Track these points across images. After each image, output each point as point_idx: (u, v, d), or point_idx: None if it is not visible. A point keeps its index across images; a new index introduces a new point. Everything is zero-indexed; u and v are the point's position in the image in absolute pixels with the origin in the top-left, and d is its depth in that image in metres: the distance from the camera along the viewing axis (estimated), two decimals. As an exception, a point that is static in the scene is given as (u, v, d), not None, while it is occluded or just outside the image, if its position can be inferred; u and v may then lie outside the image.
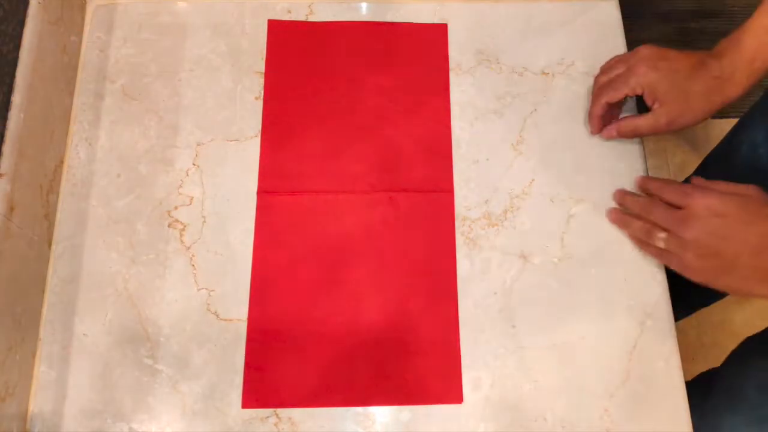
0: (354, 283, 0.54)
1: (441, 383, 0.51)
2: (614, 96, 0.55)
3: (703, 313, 0.97)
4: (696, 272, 0.49)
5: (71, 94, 0.58)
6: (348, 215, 0.55)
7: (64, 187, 0.55)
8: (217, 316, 0.52)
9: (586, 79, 0.61)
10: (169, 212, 0.55)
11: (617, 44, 0.62)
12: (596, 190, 0.57)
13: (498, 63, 0.61)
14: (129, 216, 0.55)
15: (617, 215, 0.55)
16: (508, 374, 0.52)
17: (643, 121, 0.55)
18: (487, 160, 0.58)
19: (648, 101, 0.54)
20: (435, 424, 0.50)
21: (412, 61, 0.60)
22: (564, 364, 0.52)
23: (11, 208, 0.47)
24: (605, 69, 0.58)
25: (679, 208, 0.49)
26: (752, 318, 1.19)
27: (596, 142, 0.58)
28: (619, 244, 0.55)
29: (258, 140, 0.57)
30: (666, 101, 0.53)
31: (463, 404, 0.51)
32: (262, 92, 0.59)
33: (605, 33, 0.62)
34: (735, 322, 1.18)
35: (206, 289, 0.53)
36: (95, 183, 0.56)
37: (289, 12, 0.62)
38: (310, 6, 0.62)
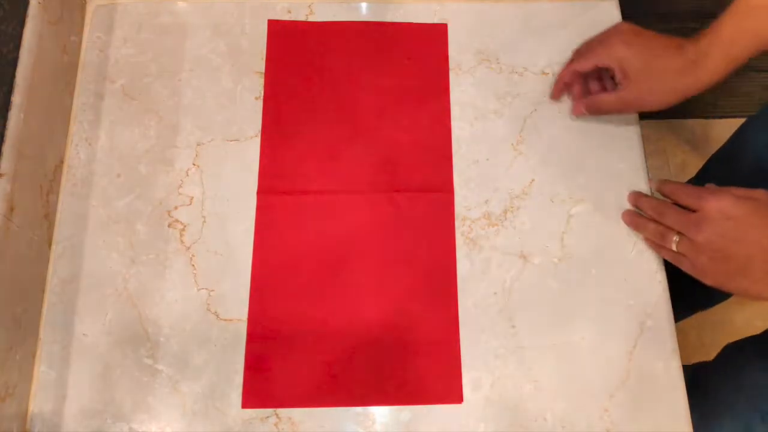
0: (354, 283, 0.54)
1: (441, 383, 0.51)
2: (583, 65, 0.55)
3: (703, 313, 0.97)
4: (709, 275, 0.49)
5: (71, 94, 0.58)
6: (348, 215, 0.55)
7: (64, 187, 0.55)
8: (217, 316, 0.52)
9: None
10: (169, 212, 0.55)
11: (617, 44, 0.62)
12: (596, 190, 0.57)
13: (498, 63, 0.61)
14: (129, 216, 0.55)
15: (631, 217, 0.55)
16: (508, 374, 0.52)
17: (610, 97, 0.55)
18: (487, 160, 0.58)
19: (618, 77, 0.54)
20: (435, 424, 0.50)
21: (412, 61, 0.60)
22: (564, 364, 0.52)
23: (11, 208, 0.47)
24: (586, 41, 0.58)
25: (692, 211, 0.49)
26: (752, 318, 1.19)
27: (596, 142, 0.58)
28: (619, 244, 0.55)
29: (258, 140, 0.57)
30: (635, 78, 0.53)
31: (463, 404, 0.51)
32: (262, 92, 0.59)
33: (605, 33, 0.62)
34: (735, 322, 1.18)
35: (206, 289, 0.53)
36: (95, 183, 0.56)
37: (289, 12, 0.62)
38: (310, 6, 0.62)
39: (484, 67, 0.61)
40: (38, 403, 0.50)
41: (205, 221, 0.55)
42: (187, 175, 0.56)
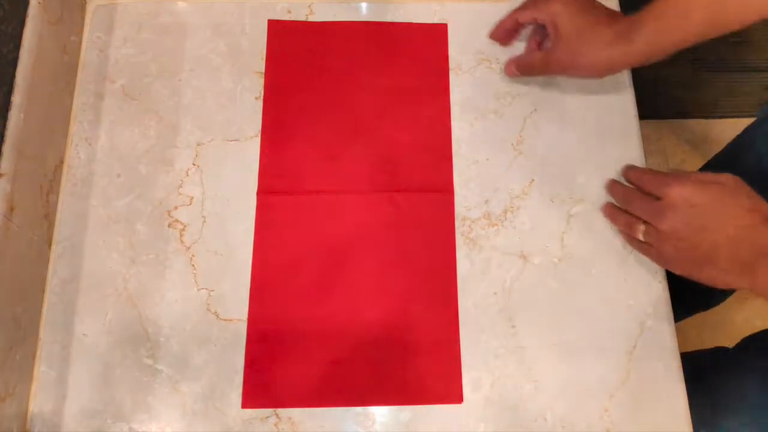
0: (354, 283, 0.54)
1: (441, 383, 0.51)
2: (522, 14, 0.56)
3: (703, 313, 0.97)
4: (676, 264, 0.49)
5: (71, 94, 0.58)
6: (348, 215, 0.55)
7: (64, 187, 0.55)
8: (217, 316, 0.52)
9: (586, 79, 0.60)
10: (169, 212, 0.55)
11: (617, 44, 0.62)
12: (596, 190, 0.57)
13: (498, 63, 0.61)
14: (129, 216, 0.55)
15: (608, 209, 0.55)
16: (508, 374, 0.52)
17: (538, 55, 0.55)
18: (487, 160, 0.58)
19: (551, 36, 0.54)
20: (435, 424, 0.50)
21: (412, 61, 0.60)
22: (564, 364, 0.52)
23: (11, 208, 0.47)
24: None
25: (658, 198, 0.49)
26: (752, 318, 1.19)
27: (597, 142, 0.58)
28: (619, 244, 0.55)
29: (258, 140, 0.57)
30: (565, 40, 0.53)
31: (463, 404, 0.51)
32: (262, 92, 0.59)
33: (605, 33, 0.62)
34: (735, 322, 1.18)
35: (206, 289, 0.53)
36: (95, 183, 0.56)
37: (289, 12, 0.62)
38: (310, 6, 0.62)
39: (484, 67, 0.61)
40: (38, 403, 0.50)
41: (205, 221, 0.55)
42: (187, 175, 0.56)
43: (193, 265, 0.54)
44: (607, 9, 0.54)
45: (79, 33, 0.60)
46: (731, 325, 1.18)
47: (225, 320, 0.52)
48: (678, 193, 0.47)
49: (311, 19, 0.61)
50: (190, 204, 0.55)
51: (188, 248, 0.54)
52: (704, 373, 0.76)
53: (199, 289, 0.53)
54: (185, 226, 0.55)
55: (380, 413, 0.51)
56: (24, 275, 0.50)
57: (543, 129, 0.59)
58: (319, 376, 0.51)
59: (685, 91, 1.35)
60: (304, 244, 0.54)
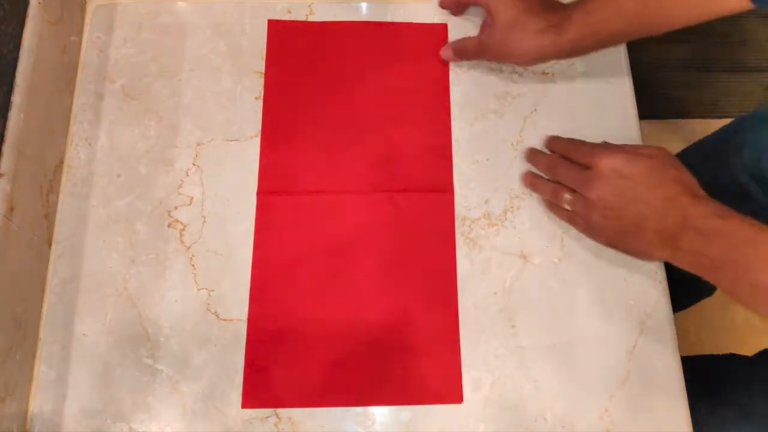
0: (354, 283, 0.54)
1: (441, 383, 0.51)
2: None
3: (703, 312, 0.97)
4: (601, 234, 0.49)
5: (71, 94, 0.58)
6: (348, 215, 0.55)
7: (64, 187, 0.55)
8: (217, 316, 0.52)
9: (586, 79, 0.61)
10: (169, 212, 0.55)
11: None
12: (596, 190, 0.57)
13: (498, 63, 0.61)
14: (129, 216, 0.55)
15: (530, 178, 0.55)
16: (508, 374, 0.52)
17: (473, 40, 0.56)
18: (487, 160, 0.58)
19: (487, 20, 0.55)
20: (435, 424, 0.50)
21: (412, 61, 0.60)
22: (564, 364, 0.52)
23: (11, 208, 0.47)
24: None
25: (586, 168, 0.49)
26: (752, 317, 1.19)
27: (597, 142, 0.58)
28: (619, 244, 0.55)
29: (258, 140, 0.57)
30: (499, 26, 0.53)
31: (463, 404, 0.51)
32: (262, 92, 0.59)
33: (605, 33, 0.62)
34: (735, 322, 1.18)
35: (206, 289, 0.53)
36: (95, 183, 0.56)
37: (289, 12, 0.62)
38: (310, 6, 0.62)
39: (484, 67, 0.61)
40: (38, 403, 0.50)
41: (205, 221, 0.55)
42: (187, 175, 0.56)
43: (193, 265, 0.54)
44: None
45: (79, 33, 0.60)
46: (731, 324, 1.18)
47: (225, 320, 0.52)
48: (608, 163, 0.48)
49: (311, 19, 0.61)
50: (190, 204, 0.55)
51: (188, 248, 0.54)
52: (718, 380, 0.76)
53: (199, 289, 0.53)
54: (185, 226, 0.55)
55: (380, 413, 0.51)
56: (24, 275, 0.50)
57: (543, 129, 0.59)
58: (319, 376, 0.51)
59: (685, 91, 1.35)
60: (304, 244, 0.54)
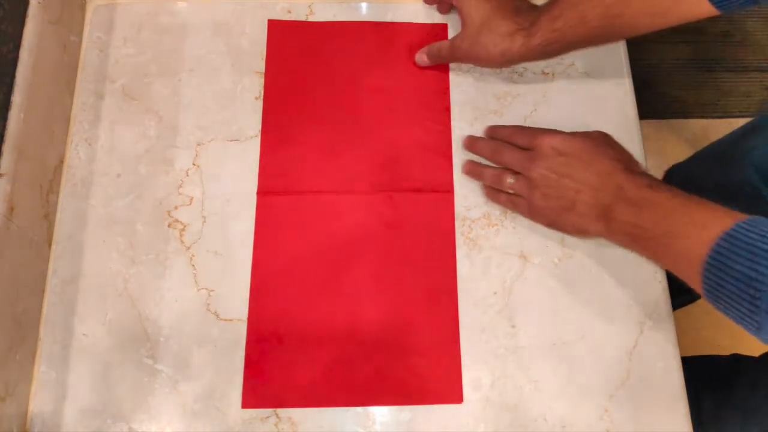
0: (354, 283, 0.54)
1: (441, 383, 0.51)
2: None
3: (704, 312, 0.97)
4: (542, 213, 0.51)
5: (71, 94, 0.58)
6: (348, 215, 0.55)
7: (64, 187, 0.55)
8: (217, 316, 0.52)
9: (586, 79, 0.61)
10: (169, 212, 0.55)
11: (617, 45, 0.62)
12: (596, 190, 0.57)
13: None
14: (129, 216, 0.55)
15: (470, 167, 0.56)
16: (508, 374, 0.52)
17: (445, 44, 0.57)
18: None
19: (461, 23, 0.56)
20: (435, 424, 0.50)
21: (413, 61, 0.60)
22: (564, 364, 0.52)
23: (11, 208, 0.47)
24: None
25: (529, 150, 0.51)
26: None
27: (596, 142, 0.58)
28: (619, 244, 0.55)
29: (258, 140, 0.57)
30: (469, 29, 0.54)
31: (463, 404, 0.51)
32: (262, 92, 0.59)
33: (605, 33, 0.62)
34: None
35: (206, 289, 0.53)
36: (95, 183, 0.56)
37: (289, 12, 0.62)
38: (310, 6, 0.62)
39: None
40: (38, 403, 0.50)
41: (205, 221, 0.55)
42: (187, 175, 0.56)
43: (193, 265, 0.54)
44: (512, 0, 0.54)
45: (79, 33, 0.60)
46: (731, 324, 1.18)
47: (225, 320, 0.52)
48: (547, 142, 0.50)
49: (311, 19, 0.61)
50: (190, 204, 0.55)
51: (188, 248, 0.54)
52: (724, 380, 0.76)
53: (199, 289, 0.53)
54: (185, 226, 0.55)
55: (380, 413, 0.51)
56: (24, 275, 0.50)
57: (543, 128, 0.59)
58: (319, 376, 0.51)
59: (685, 91, 1.35)
60: (304, 244, 0.54)
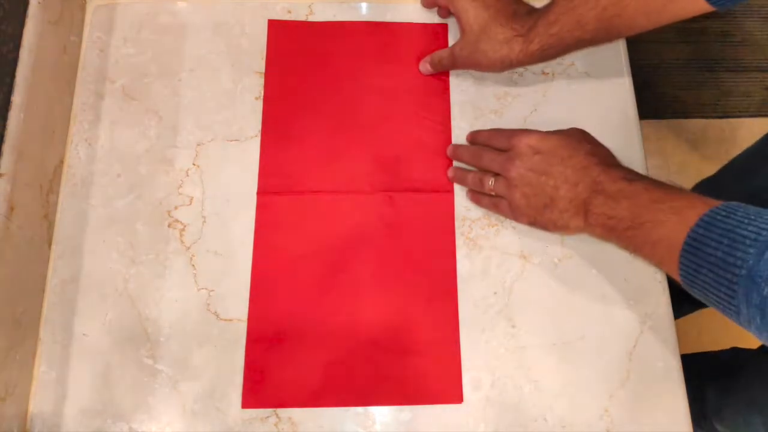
0: (354, 283, 0.54)
1: (441, 383, 0.51)
2: None
3: (704, 312, 0.97)
4: (523, 212, 0.51)
5: (71, 94, 0.58)
6: (348, 215, 0.55)
7: (64, 187, 0.55)
8: (217, 316, 0.52)
9: (586, 79, 0.61)
10: (169, 212, 0.55)
11: (617, 45, 0.62)
12: (596, 190, 0.57)
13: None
14: (129, 216, 0.55)
15: (454, 172, 0.56)
16: (508, 374, 0.52)
17: (445, 52, 0.57)
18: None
19: (459, 29, 0.56)
20: (435, 424, 0.50)
21: (412, 61, 0.60)
22: (564, 364, 0.52)
23: (11, 208, 0.47)
24: None
25: (507, 151, 0.52)
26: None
27: (596, 142, 0.58)
28: (619, 244, 0.55)
29: (258, 140, 0.57)
30: (468, 36, 0.55)
31: (463, 404, 0.51)
32: (262, 92, 0.59)
33: (605, 33, 0.62)
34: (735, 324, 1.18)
35: (206, 289, 0.53)
36: (95, 183, 0.56)
37: (289, 12, 0.62)
38: (310, 6, 0.62)
39: (484, 67, 0.61)
40: (38, 403, 0.50)
41: (205, 221, 0.55)
42: (187, 175, 0.56)
43: (193, 265, 0.54)
44: (508, 5, 0.55)
45: (79, 33, 0.60)
46: (731, 324, 1.18)
47: (225, 320, 0.52)
48: (524, 142, 0.50)
49: (311, 19, 0.61)
50: (190, 204, 0.55)
51: (188, 248, 0.54)
52: (725, 372, 0.76)
53: (199, 289, 0.53)
54: (185, 226, 0.55)
55: (380, 413, 0.51)
56: (24, 275, 0.50)
57: (543, 129, 0.58)
58: (319, 376, 0.51)
59: (685, 91, 1.35)
60: (304, 244, 0.54)
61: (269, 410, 0.50)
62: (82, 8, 0.60)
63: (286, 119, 0.58)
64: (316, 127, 0.58)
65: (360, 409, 0.51)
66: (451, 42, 0.61)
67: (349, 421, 0.50)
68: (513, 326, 0.53)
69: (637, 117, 0.60)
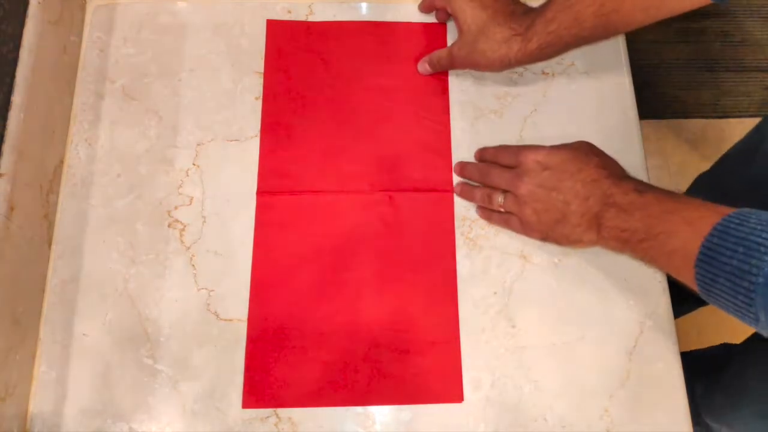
0: (354, 283, 0.54)
1: (441, 383, 0.51)
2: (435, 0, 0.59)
3: (704, 313, 0.97)
4: (535, 228, 0.51)
5: (71, 94, 0.58)
6: (348, 215, 0.55)
7: (64, 187, 0.55)
8: (217, 316, 0.52)
9: (586, 79, 0.61)
10: (169, 212, 0.55)
11: (617, 45, 0.62)
12: (596, 190, 0.57)
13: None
14: (129, 216, 0.55)
15: (462, 188, 0.56)
16: (508, 374, 0.52)
17: (444, 52, 0.58)
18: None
19: (457, 30, 0.56)
20: (435, 424, 0.50)
21: (412, 61, 0.60)
22: (564, 364, 0.52)
23: (11, 208, 0.47)
24: None
25: (514, 168, 0.52)
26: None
27: (597, 142, 0.58)
28: (619, 244, 0.55)
29: (258, 140, 0.57)
30: (466, 36, 0.55)
31: (464, 404, 0.51)
32: (262, 92, 0.59)
33: (605, 33, 0.62)
34: (735, 322, 1.18)
35: (206, 289, 0.53)
36: (95, 183, 0.56)
37: (289, 12, 0.62)
38: (310, 6, 0.62)
39: (484, 67, 0.61)
40: (38, 403, 0.50)
41: (205, 221, 0.55)
42: (187, 175, 0.56)
43: (193, 265, 0.54)
44: (505, 4, 0.55)
45: (79, 33, 0.60)
46: (731, 324, 1.18)
47: (225, 320, 0.52)
48: (532, 158, 0.50)
49: (311, 19, 0.61)
50: (190, 204, 0.55)
51: (188, 248, 0.54)
52: (713, 366, 0.77)
53: (199, 289, 0.53)
54: (185, 226, 0.55)
55: (380, 413, 0.51)
56: (24, 275, 0.50)
57: (543, 129, 0.59)
58: (319, 376, 0.51)
59: (685, 91, 1.35)
60: (304, 244, 0.54)
61: (269, 410, 0.50)
62: (82, 8, 0.60)
63: (286, 119, 0.58)
64: (315, 127, 0.58)
65: (360, 409, 0.51)
66: (450, 42, 0.61)
67: (349, 421, 0.50)
68: (513, 326, 0.53)
69: (637, 117, 0.60)
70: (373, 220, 0.55)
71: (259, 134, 0.57)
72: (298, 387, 0.51)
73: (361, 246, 0.55)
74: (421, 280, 0.54)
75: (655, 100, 1.34)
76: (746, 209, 0.40)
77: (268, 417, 0.50)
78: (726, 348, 0.80)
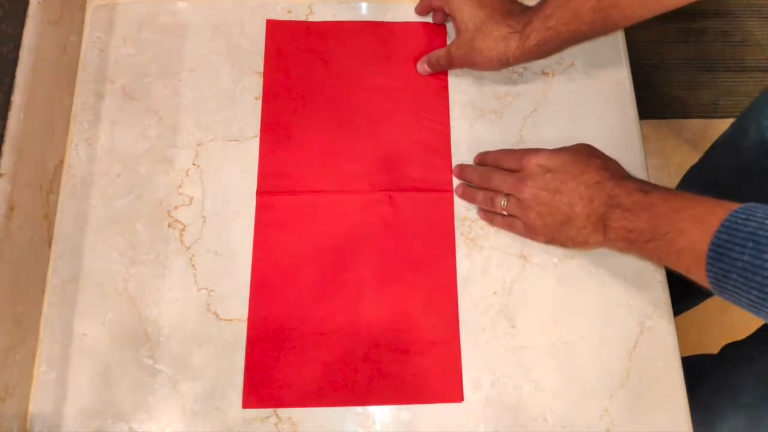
0: (354, 283, 0.54)
1: (441, 383, 0.51)
2: (435, 0, 0.59)
3: (704, 312, 0.97)
4: (540, 231, 0.51)
5: (71, 94, 0.58)
6: (348, 215, 0.55)
7: (64, 187, 0.55)
8: (217, 316, 0.52)
9: (586, 79, 0.61)
10: (169, 212, 0.55)
11: (617, 44, 0.62)
12: (596, 190, 0.57)
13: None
14: (129, 216, 0.55)
15: (463, 189, 0.56)
16: (508, 374, 0.52)
17: (442, 52, 0.58)
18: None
19: (455, 29, 0.56)
20: (435, 424, 0.50)
21: (412, 61, 0.60)
22: (564, 364, 0.52)
23: (11, 208, 0.47)
24: None
25: (516, 172, 0.52)
26: (752, 317, 1.19)
27: (596, 143, 0.58)
28: (619, 244, 0.55)
29: (258, 140, 0.57)
30: (464, 35, 0.55)
31: (464, 404, 0.51)
32: (262, 92, 0.59)
33: (605, 33, 0.62)
34: (735, 322, 1.18)
35: (206, 289, 0.53)
36: (95, 183, 0.56)
37: (289, 12, 0.62)
38: (310, 6, 0.62)
39: (484, 67, 0.61)
40: (38, 403, 0.50)
41: (205, 221, 0.55)
42: (187, 175, 0.56)
43: (193, 265, 0.54)
44: (502, 3, 0.54)
45: (79, 33, 0.60)
46: (731, 324, 1.18)
47: (225, 320, 0.52)
48: (534, 161, 0.50)
49: (311, 19, 0.61)
50: (190, 204, 0.55)
51: (188, 248, 0.54)
52: (707, 366, 0.76)
53: (199, 289, 0.53)
54: (185, 226, 0.55)
55: (380, 413, 0.51)
56: (24, 275, 0.50)
57: (543, 129, 0.59)
58: (319, 376, 0.51)
59: (685, 91, 1.35)
60: (303, 244, 0.54)
61: (269, 410, 0.50)
62: (82, 8, 0.60)
63: (286, 119, 0.58)
64: (315, 127, 0.58)
65: (360, 409, 0.51)
66: (450, 41, 0.61)
67: (349, 421, 0.50)
68: (513, 326, 0.53)
69: (637, 117, 0.60)
70: (373, 220, 0.55)
71: (259, 134, 0.57)
72: (298, 387, 0.51)
73: (361, 246, 0.55)
74: (421, 280, 0.54)
75: (655, 100, 1.34)
76: (752, 204, 0.40)
77: (268, 417, 0.50)
78: (699, 360, 0.80)
